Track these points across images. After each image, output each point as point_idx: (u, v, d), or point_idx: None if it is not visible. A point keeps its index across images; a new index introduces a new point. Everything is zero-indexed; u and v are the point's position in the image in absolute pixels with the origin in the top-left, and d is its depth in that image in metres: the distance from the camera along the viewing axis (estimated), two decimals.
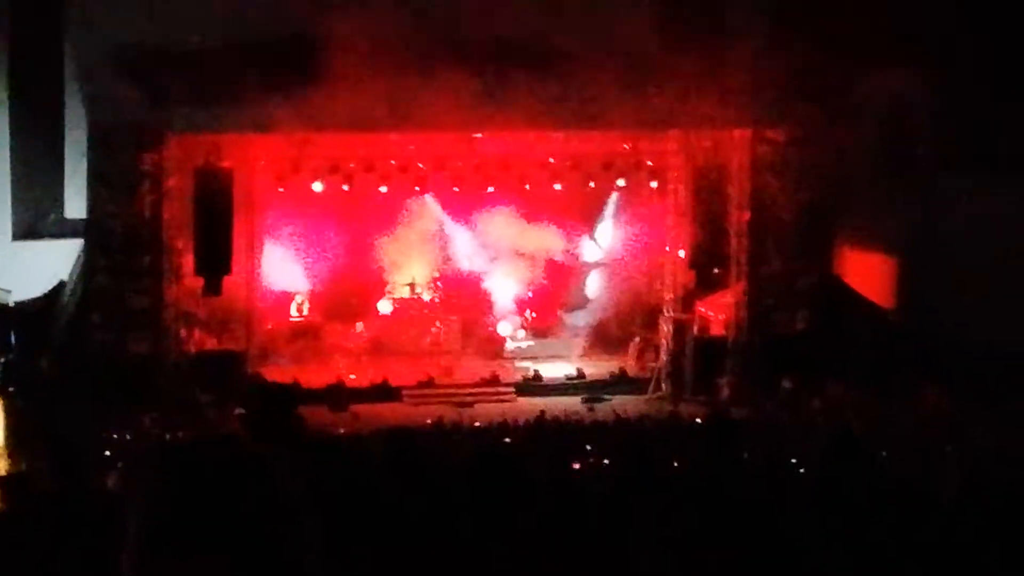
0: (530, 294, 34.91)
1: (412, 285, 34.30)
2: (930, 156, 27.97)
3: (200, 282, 28.61)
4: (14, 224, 26.76)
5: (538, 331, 34.53)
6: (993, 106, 27.08)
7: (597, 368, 32.14)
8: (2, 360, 24.71)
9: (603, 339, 34.26)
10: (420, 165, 31.38)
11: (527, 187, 32.24)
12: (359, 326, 33.56)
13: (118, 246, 27.29)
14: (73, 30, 26.03)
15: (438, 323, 33.97)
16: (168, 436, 23.10)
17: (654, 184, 31.97)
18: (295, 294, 33.51)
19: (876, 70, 27.52)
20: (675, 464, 19.34)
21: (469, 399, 29.71)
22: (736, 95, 27.35)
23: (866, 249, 29.73)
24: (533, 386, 30.94)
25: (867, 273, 29.58)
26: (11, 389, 23.30)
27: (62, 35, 26.06)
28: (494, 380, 31.06)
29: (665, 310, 31.91)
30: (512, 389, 30.62)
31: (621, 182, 32.56)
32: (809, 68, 27.46)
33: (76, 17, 25.89)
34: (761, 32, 27.01)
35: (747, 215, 29.69)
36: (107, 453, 20.87)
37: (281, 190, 31.57)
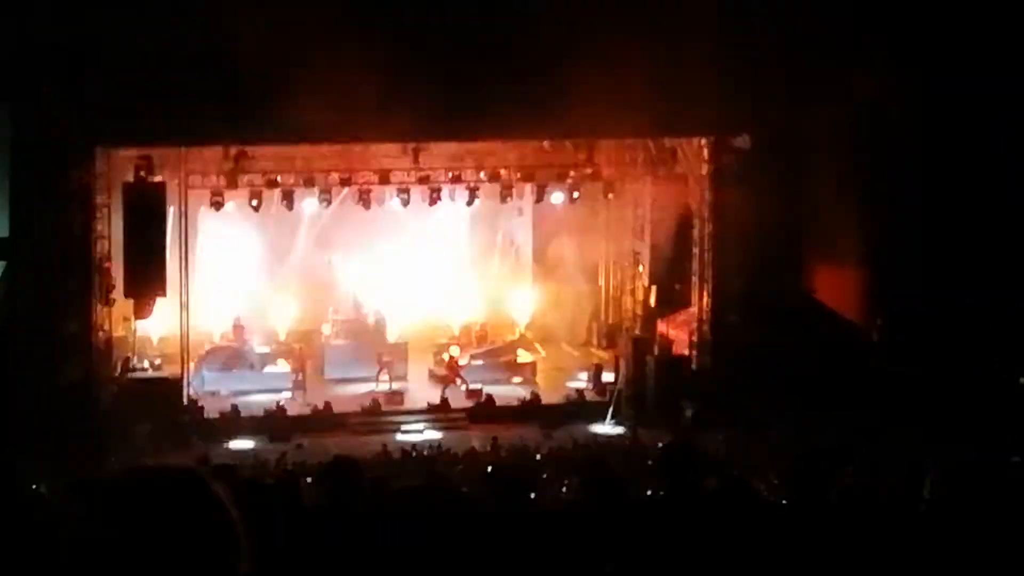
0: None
1: (357, 306, 34.04)
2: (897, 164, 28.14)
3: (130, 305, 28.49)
4: None
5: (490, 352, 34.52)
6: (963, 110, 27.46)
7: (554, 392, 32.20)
8: None
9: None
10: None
11: (478, 199, 32.19)
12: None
13: (44, 267, 26.97)
14: None
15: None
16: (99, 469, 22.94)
17: (611, 195, 32.15)
18: (232, 317, 33.28)
19: (844, 75, 27.57)
20: (636, 494, 19.58)
21: (418, 426, 29.82)
22: (697, 100, 27.20)
23: (837, 262, 29.92)
24: (486, 412, 31.00)
25: (839, 287, 29.79)
26: None
27: None
28: (444, 406, 31.09)
29: (624, 329, 32.06)
30: (464, 415, 30.68)
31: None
32: (775, 71, 27.74)
33: None
34: (723, 32, 27.02)
35: (710, 227, 29.87)
36: (34, 487, 20.82)
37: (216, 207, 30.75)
